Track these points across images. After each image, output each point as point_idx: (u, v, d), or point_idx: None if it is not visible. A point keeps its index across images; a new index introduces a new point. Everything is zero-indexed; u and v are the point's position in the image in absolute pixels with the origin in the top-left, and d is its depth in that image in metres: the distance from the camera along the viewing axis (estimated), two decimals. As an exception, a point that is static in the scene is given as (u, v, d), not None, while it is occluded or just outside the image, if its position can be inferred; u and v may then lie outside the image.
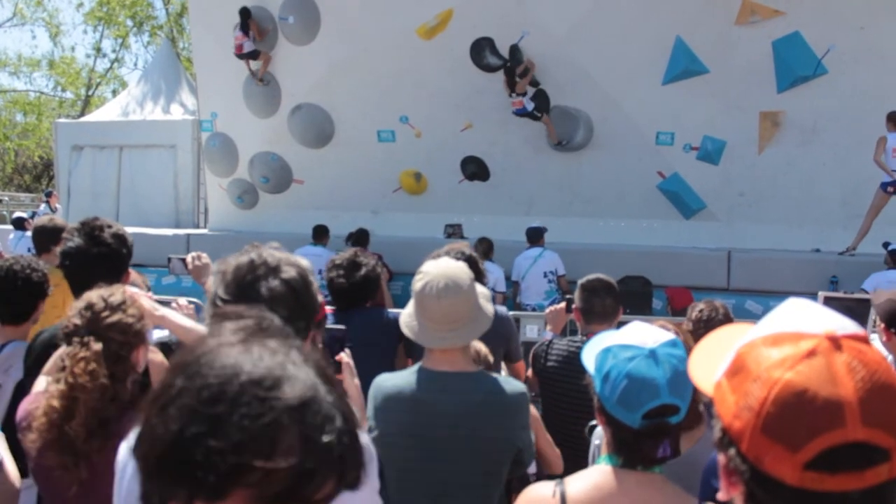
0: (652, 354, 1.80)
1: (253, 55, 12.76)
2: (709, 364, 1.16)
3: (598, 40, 11.03)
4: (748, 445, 1.03)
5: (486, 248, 9.33)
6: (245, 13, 12.59)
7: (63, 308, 3.04)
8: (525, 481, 3.13)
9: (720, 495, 1.11)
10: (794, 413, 0.99)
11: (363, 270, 3.98)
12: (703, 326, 3.57)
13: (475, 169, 12.67)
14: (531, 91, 11.72)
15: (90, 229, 3.01)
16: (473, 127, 12.30)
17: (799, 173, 11.09)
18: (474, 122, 12.24)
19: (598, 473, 1.86)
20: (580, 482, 1.85)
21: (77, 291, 2.90)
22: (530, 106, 11.58)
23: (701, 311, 3.69)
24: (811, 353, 1.02)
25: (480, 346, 3.25)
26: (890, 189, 9.69)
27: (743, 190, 11.52)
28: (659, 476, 1.84)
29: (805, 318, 1.08)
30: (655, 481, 1.83)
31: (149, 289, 3.56)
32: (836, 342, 1.03)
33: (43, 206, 18.45)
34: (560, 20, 11.16)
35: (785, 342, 1.05)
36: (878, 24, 10.38)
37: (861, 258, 9.72)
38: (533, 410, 3.50)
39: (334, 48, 12.23)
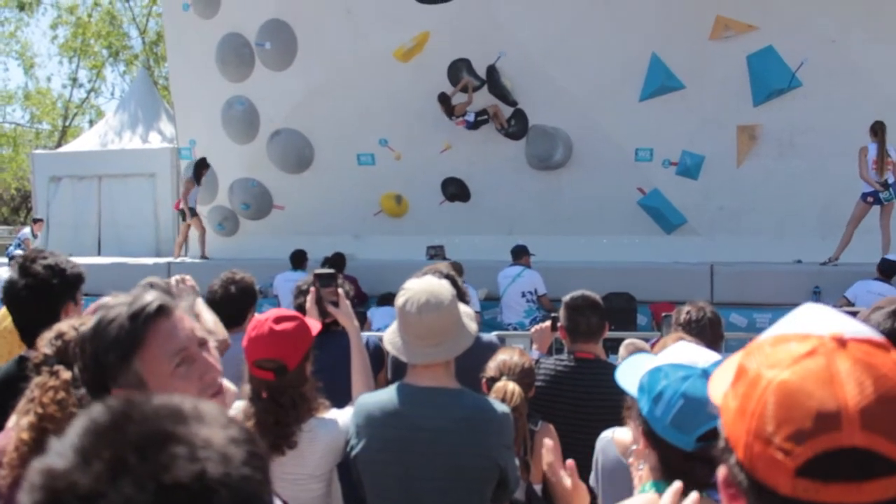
0: (705, 374, 1.72)
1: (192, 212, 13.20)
2: (723, 376, 1.08)
3: (574, 59, 11.10)
4: (743, 451, 0.95)
5: (457, 270, 9.47)
6: (201, 163, 13.09)
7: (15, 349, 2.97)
8: None
9: None
10: (786, 414, 0.91)
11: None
12: (694, 328, 3.57)
13: (455, 190, 12.66)
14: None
15: (23, 260, 2.89)
16: (453, 148, 12.31)
17: (777, 185, 11.15)
18: (453, 143, 12.26)
19: (645, 502, 1.79)
20: None
21: (19, 328, 2.84)
22: (472, 117, 11.78)
23: (689, 312, 3.70)
24: (811, 353, 0.93)
25: (516, 388, 3.07)
26: (870, 199, 9.76)
27: (723, 204, 11.55)
28: (709, 499, 1.76)
29: (815, 321, 0.99)
30: None
31: None
32: (841, 342, 0.93)
33: (27, 229, 18.21)
34: (536, 40, 11.22)
35: (787, 342, 0.97)
36: (849, 36, 10.52)
37: (843, 268, 9.75)
38: (554, 439, 3.34)
39: (312, 73, 12.23)
